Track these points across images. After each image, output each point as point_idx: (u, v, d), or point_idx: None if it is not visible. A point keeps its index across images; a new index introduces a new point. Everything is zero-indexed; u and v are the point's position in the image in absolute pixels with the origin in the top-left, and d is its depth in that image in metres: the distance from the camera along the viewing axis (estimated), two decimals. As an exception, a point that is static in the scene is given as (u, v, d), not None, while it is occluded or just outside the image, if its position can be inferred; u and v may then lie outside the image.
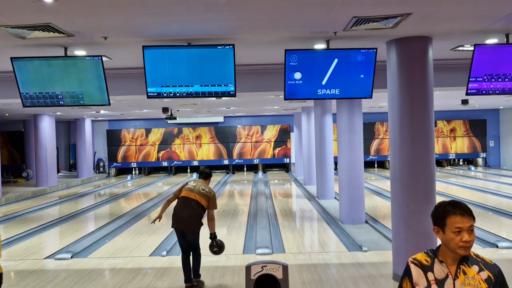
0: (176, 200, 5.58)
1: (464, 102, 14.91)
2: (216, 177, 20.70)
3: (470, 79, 5.72)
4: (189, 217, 5.39)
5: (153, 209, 12.15)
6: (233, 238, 8.35)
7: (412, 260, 2.21)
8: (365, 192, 10.63)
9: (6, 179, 20.06)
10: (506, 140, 22.52)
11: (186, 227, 5.41)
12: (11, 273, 6.56)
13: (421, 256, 2.21)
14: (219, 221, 10.00)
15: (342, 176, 9.58)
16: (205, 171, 5.82)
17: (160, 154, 22.80)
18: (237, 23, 4.75)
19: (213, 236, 5.49)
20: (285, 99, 5.80)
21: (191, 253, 5.54)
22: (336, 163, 12.04)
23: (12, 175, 21.70)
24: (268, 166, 23.68)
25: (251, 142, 22.73)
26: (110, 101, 5.92)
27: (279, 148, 22.71)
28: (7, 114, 17.23)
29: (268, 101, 14.25)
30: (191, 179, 5.88)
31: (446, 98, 14.06)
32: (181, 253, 5.57)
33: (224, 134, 22.73)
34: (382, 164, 23.26)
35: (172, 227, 5.52)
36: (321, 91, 5.74)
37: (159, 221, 5.66)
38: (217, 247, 5.50)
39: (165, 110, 14.53)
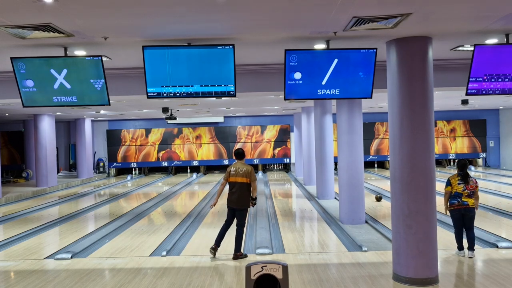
0: (228, 184, 6.94)
1: (464, 102, 14.92)
2: (216, 177, 20.72)
3: (470, 79, 5.72)
4: (238, 196, 6.76)
5: (153, 209, 12.15)
6: (233, 238, 8.33)
7: None
8: (365, 192, 10.63)
9: (6, 179, 20.06)
10: (506, 140, 22.52)
11: (236, 204, 6.80)
12: (11, 273, 6.57)
13: None
14: (219, 221, 10.01)
15: (342, 176, 9.58)
16: (239, 152, 7.01)
17: (160, 154, 22.80)
18: (237, 23, 4.76)
19: (253, 198, 6.86)
20: (285, 99, 5.80)
21: (236, 229, 6.83)
22: (336, 163, 12.05)
23: (12, 175, 21.70)
24: (268, 166, 23.68)
25: (251, 142, 22.74)
26: (110, 101, 5.92)
27: (279, 148, 22.71)
28: (7, 114, 17.23)
29: (268, 101, 14.25)
30: (232, 165, 6.98)
31: (446, 98, 14.06)
32: (224, 223, 6.99)
33: (224, 134, 22.73)
34: (382, 164, 23.26)
35: (227, 205, 6.91)
36: (321, 91, 5.75)
37: (213, 206, 7.00)
38: (253, 204, 6.89)
39: (165, 110, 14.53)
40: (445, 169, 22.14)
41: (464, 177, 6.60)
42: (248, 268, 3.73)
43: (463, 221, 6.60)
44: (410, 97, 5.48)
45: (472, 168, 22.01)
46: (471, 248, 6.55)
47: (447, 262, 6.42)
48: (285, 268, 3.71)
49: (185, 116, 20.15)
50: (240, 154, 6.97)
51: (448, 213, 6.76)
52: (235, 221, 6.92)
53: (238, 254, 6.82)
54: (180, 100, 12.22)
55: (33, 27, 4.62)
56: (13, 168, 22.37)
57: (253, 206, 6.93)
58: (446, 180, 6.78)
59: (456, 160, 7.05)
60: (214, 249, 6.87)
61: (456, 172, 6.80)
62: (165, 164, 22.86)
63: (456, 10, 4.43)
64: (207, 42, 5.46)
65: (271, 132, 22.73)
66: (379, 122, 22.38)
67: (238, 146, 22.67)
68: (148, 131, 22.75)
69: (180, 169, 23.67)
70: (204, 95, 5.70)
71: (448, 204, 6.68)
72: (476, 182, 6.67)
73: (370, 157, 22.35)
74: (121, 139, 22.76)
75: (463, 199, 6.54)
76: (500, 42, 5.69)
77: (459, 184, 6.58)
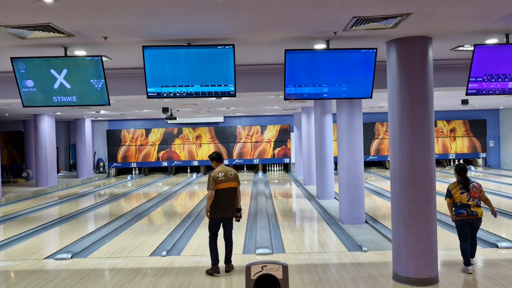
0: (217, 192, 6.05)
1: (464, 102, 14.92)
2: (216, 177, 20.67)
3: (470, 79, 5.72)
4: (231, 203, 6.12)
5: (153, 209, 12.15)
6: (233, 238, 8.33)
7: None
8: (365, 192, 10.64)
9: (6, 179, 20.06)
10: (506, 140, 22.52)
11: (231, 212, 6.13)
12: (11, 273, 6.57)
13: None
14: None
15: (342, 176, 9.58)
16: (219, 154, 6.29)
17: (160, 154, 22.80)
18: (237, 23, 4.75)
19: (239, 209, 6.20)
20: (285, 99, 5.80)
21: (227, 239, 6.19)
22: (336, 163, 12.05)
23: (12, 175, 21.70)
24: (268, 166, 23.69)
25: (251, 142, 22.73)
26: (110, 101, 5.92)
27: (279, 148, 22.71)
28: (7, 114, 17.23)
29: (268, 101, 14.25)
30: (218, 172, 6.09)
31: (446, 98, 14.06)
32: (212, 238, 6.18)
33: (224, 134, 22.73)
34: (382, 164, 23.26)
35: (217, 216, 6.08)
36: (321, 91, 5.74)
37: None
38: (239, 217, 6.22)
39: (165, 110, 14.53)
40: (445, 169, 22.14)
41: (465, 183, 5.96)
42: (248, 268, 3.73)
43: (470, 231, 6.03)
44: (410, 97, 5.48)
45: (472, 168, 22.01)
46: (472, 255, 6.13)
47: (447, 262, 6.42)
48: (285, 268, 3.71)
49: (185, 116, 20.15)
50: (220, 156, 6.28)
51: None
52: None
53: (231, 265, 6.19)
54: (180, 100, 12.22)
55: (33, 27, 4.62)
56: (13, 168, 22.37)
57: (238, 221, 6.22)
58: (446, 190, 6.09)
59: (454, 165, 6.11)
60: (217, 269, 6.10)
61: (455, 179, 6.12)
62: (165, 164, 22.85)
63: (456, 10, 4.43)
64: (207, 42, 5.46)
65: (271, 132, 22.73)
66: (379, 122, 22.38)
67: (238, 146, 22.69)
68: (148, 131, 22.74)
69: (180, 169, 23.67)
70: (204, 95, 5.70)
71: (455, 213, 5.99)
72: (480, 186, 6.04)
73: (370, 157, 22.34)
74: (121, 139, 22.76)
75: (472, 209, 5.88)
76: (500, 42, 5.69)
77: (461, 193, 5.92)
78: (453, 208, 6.02)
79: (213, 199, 5.98)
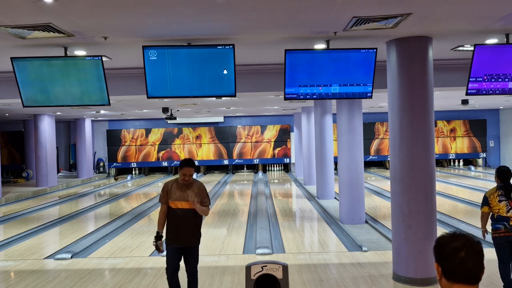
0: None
1: (464, 102, 14.91)
2: (216, 177, 20.71)
3: (470, 79, 5.72)
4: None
5: (153, 209, 12.13)
6: (233, 238, 8.35)
7: None
8: (365, 192, 10.63)
9: (6, 179, 20.05)
10: (506, 140, 22.52)
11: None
12: (11, 273, 6.56)
13: None
14: (219, 221, 10.01)
15: (342, 176, 9.58)
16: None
17: (160, 154, 22.79)
18: (237, 23, 4.76)
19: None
20: (285, 99, 5.80)
21: (193, 276, 5.00)
22: (336, 163, 12.04)
23: (12, 175, 21.69)
24: (268, 166, 23.69)
25: (251, 142, 22.73)
26: (110, 101, 5.92)
27: (279, 148, 22.71)
28: (7, 114, 17.22)
29: (268, 101, 14.24)
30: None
31: (446, 98, 14.06)
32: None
33: (224, 134, 22.73)
34: (382, 164, 23.25)
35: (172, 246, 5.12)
36: (321, 91, 5.74)
37: None
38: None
39: (165, 110, 14.52)
40: (445, 169, 22.14)
41: (507, 190, 4.98)
42: (248, 268, 3.73)
43: (511, 251, 5.00)
44: (410, 97, 5.48)
45: (472, 168, 22.00)
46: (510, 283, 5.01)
47: (447, 262, 6.41)
48: (285, 268, 3.71)
49: (185, 116, 20.14)
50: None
51: (486, 237, 5.20)
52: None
53: None
54: (180, 100, 12.21)
55: (33, 27, 4.62)
56: (13, 168, 22.36)
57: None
58: (482, 197, 5.18)
59: (496, 168, 4.97)
60: None
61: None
62: (165, 164, 22.84)
63: (456, 10, 4.43)
64: (207, 42, 5.45)
65: (271, 132, 22.72)
66: (379, 122, 22.37)
67: (238, 146, 22.69)
68: (148, 131, 22.74)
69: (180, 169, 23.63)
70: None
71: (492, 228, 5.06)
72: None
73: (370, 157, 22.34)
74: (121, 139, 22.75)
75: (511, 223, 4.92)
76: (500, 42, 5.69)
77: (500, 201, 4.95)
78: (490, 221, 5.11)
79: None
